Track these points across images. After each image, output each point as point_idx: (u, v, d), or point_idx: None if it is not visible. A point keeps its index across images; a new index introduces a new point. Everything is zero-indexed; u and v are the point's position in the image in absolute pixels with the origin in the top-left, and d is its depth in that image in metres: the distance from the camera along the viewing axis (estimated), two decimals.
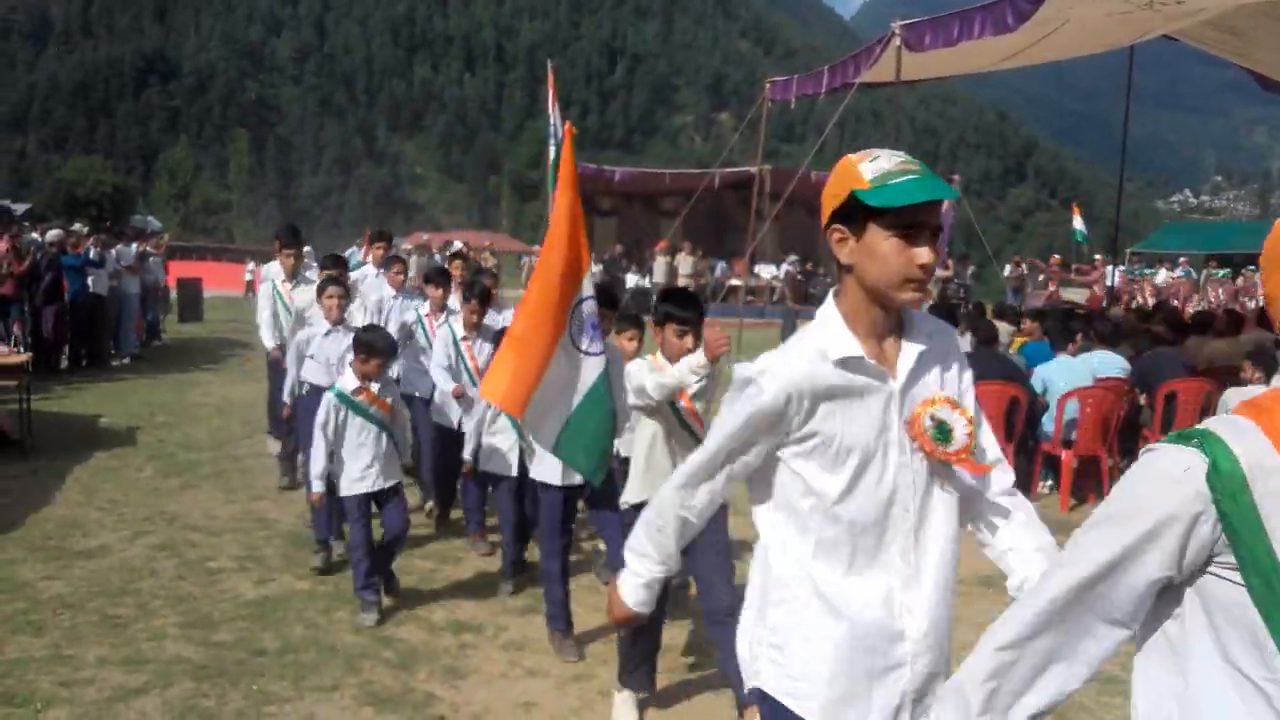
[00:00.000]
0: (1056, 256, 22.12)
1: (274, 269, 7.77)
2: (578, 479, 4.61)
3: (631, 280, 23.75)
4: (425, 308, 7.17)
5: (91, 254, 13.88)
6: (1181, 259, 28.49)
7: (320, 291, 6.17)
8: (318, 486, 5.17)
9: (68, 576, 5.64)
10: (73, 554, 6.03)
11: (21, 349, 10.08)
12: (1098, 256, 22.36)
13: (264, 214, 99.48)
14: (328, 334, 6.11)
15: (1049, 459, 8.06)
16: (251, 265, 27.72)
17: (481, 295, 6.34)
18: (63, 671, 4.42)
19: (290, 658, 4.63)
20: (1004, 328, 9.93)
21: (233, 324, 20.41)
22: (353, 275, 8.19)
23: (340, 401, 5.15)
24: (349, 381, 5.17)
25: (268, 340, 7.71)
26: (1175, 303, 18.06)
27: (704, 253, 24.14)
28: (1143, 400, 8.42)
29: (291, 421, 6.87)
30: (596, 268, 24.61)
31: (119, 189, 63.25)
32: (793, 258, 23.88)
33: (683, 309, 3.97)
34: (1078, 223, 22.90)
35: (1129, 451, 8.85)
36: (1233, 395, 4.16)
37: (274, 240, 7.91)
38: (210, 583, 5.61)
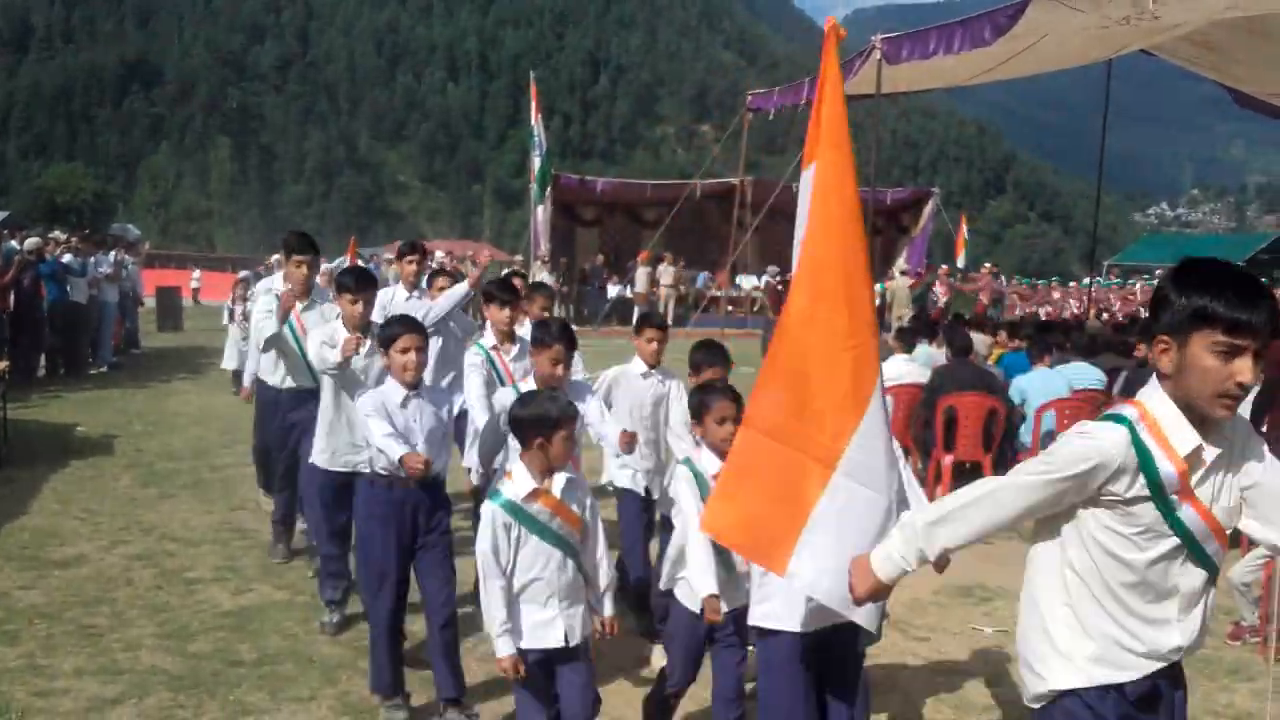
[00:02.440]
0: (945, 267, 22.32)
1: (276, 283, 6.12)
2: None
3: (613, 290, 23.80)
4: (489, 338, 5.59)
5: (67, 259, 13.79)
6: (1158, 271, 28.84)
7: (388, 343, 4.23)
8: (504, 648, 3.38)
9: (44, 586, 5.61)
10: (49, 563, 5.99)
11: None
12: (986, 265, 22.70)
13: (245, 222, 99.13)
14: (405, 402, 4.23)
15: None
16: (198, 273, 26.84)
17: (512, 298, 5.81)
18: (38, 682, 4.40)
19: (267, 668, 4.62)
20: (983, 339, 10.01)
21: (209, 331, 20.30)
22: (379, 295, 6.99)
23: (510, 515, 3.42)
24: (519, 483, 3.42)
25: (247, 375, 6.57)
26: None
27: (685, 263, 24.22)
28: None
29: (270, 457, 6.18)
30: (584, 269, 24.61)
31: (100, 196, 62.98)
32: (773, 268, 23.98)
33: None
34: (964, 233, 23.17)
35: None
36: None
37: (282, 247, 6.31)
38: (187, 593, 5.58)
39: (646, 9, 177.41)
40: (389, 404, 4.17)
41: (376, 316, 5.14)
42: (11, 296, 12.24)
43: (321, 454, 5.05)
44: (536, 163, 19.71)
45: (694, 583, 3.50)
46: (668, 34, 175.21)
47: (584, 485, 3.59)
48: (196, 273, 25.42)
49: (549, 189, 22.35)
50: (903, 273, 21.57)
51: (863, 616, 2.87)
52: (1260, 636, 5.11)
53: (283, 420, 5.97)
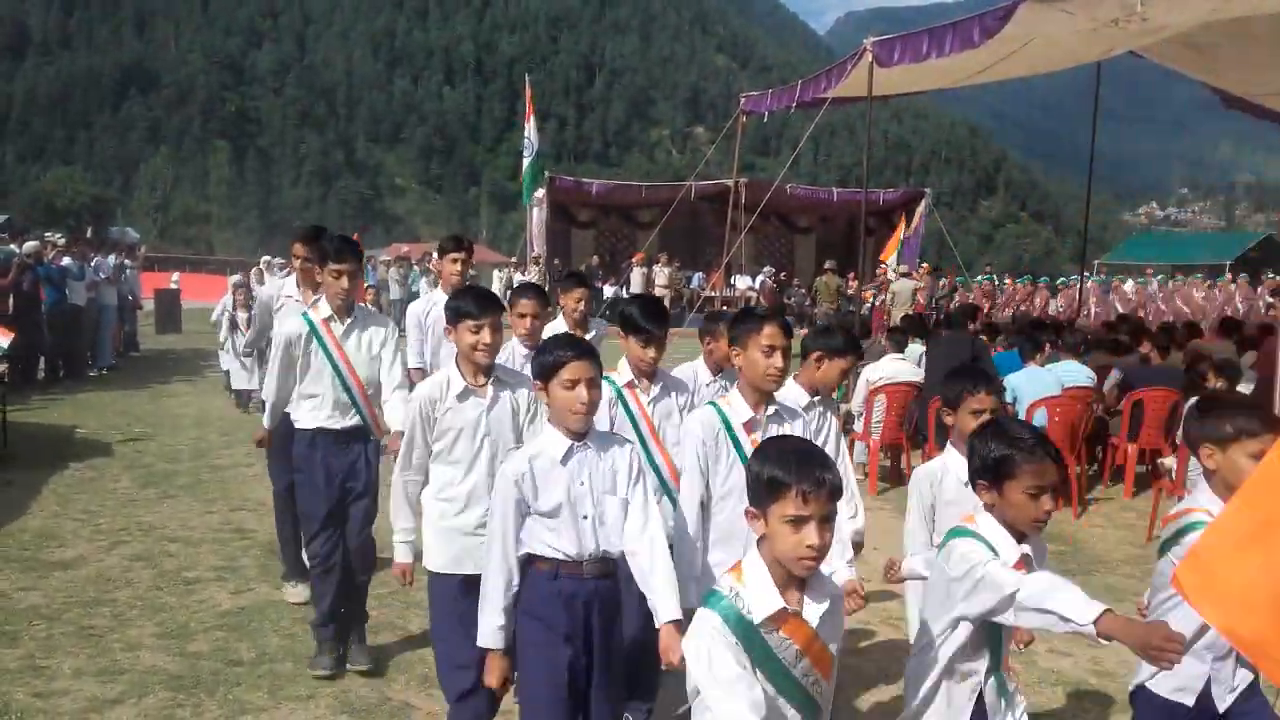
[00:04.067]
0: (883, 267, 22.44)
1: (289, 285, 5.48)
2: None
3: (609, 291, 23.87)
4: (622, 373, 3.98)
5: (65, 262, 13.84)
6: (1148, 269, 29.02)
7: (550, 372, 3.01)
8: None
9: (43, 587, 5.65)
10: (48, 564, 6.03)
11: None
12: (923, 265, 22.73)
13: (243, 225, 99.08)
14: (569, 455, 3.02)
15: None
16: (176, 275, 26.23)
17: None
18: (38, 682, 4.43)
19: (266, 667, 4.65)
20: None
21: (209, 334, 20.32)
22: (416, 310, 6.10)
23: (740, 637, 2.23)
24: (757, 592, 2.24)
25: (268, 416, 4.96)
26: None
27: (680, 264, 24.32)
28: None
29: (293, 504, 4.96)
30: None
31: (98, 200, 62.99)
32: (768, 268, 24.07)
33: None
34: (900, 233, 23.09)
35: (1095, 459, 9.03)
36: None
37: (302, 248, 5.37)
38: (187, 593, 5.62)
39: (640, 13, 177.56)
40: (540, 464, 2.98)
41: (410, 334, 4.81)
42: (10, 300, 12.29)
43: (438, 553, 3.63)
44: (525, 164, 19.80)
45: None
46: (661, 38, 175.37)
47: (838, 592, 2.46)
48: (175, 275, 25.22)
49: (544, 191, 22.45)
50: (904, 274, 21.66)
51: None
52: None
53: (326, 474, 4.56)
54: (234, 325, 11.98)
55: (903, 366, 9.02)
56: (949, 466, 3.39)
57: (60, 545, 6.43)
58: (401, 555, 3.72)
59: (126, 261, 17.10)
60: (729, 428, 3.28)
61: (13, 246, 13.56)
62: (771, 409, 3.33)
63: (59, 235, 15.85)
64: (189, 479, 8.35)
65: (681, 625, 2.63)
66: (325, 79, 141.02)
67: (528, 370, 3.63)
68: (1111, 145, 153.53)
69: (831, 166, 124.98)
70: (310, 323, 4.56)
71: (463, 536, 3.58)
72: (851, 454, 9.24)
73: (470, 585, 3.34)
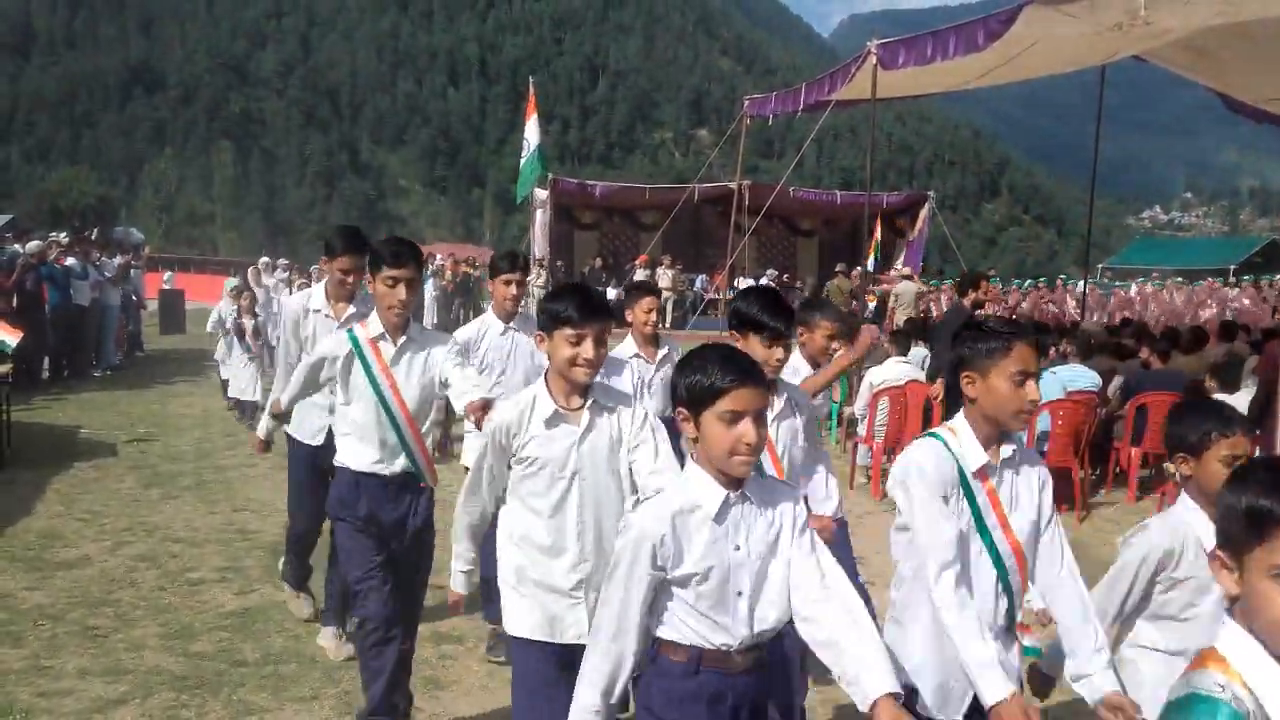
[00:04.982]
0: (856, 270, 22.45)
1: (316, 297, 4.85)
2: None
3: (611, 293, 23.88)
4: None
5: (70, 262, 13.87)
6: (1154, 274, 29.04)
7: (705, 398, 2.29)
8: None
9: (48, 587, 5.66)
10: (53, 565, 6.05)
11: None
12: (897, 265, 22.68)
13: (247, 225, 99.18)
14: (725, 509, 2.33)
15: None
16: (169, 274, 25.79)
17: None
18: (42, 682, 4.44)
19: (270, 668, 4.66)
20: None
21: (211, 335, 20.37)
22: (465, 337, 4.95)
23: None
24: None
25: (263, 422, 4.81)
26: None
27: (683, 266, 24.34)
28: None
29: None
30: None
31: (103, 200, 63.00)
32: (771, 271, 24.06)
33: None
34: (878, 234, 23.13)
35: (1099, 463, 9.02)
36: None
37: (341, 249, 4.61)
38: (191, 593, 5.63)
39: (644, 15, 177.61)
40: (686, 521, 2.28)
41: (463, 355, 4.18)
42: (14, 300, 12.33)
43: (523, 616, 2.99)
44: (522, 164, 19.83)
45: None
46: (665, 40, 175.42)
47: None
48: (168, 274, 25.20)
49: (547, 193, 22.47)
50: (906, 277, 21.64)
51: None
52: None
53: (372, 525, 3.87)
54: (239, 333, 11.23)
55: (906, 369, 9.02)
56: (1193, 527, 2.65)
57: (64, 545, 6.45)
58: (457, 585, 3.30)
59: (132, 262, 17.14)
60: (962, 474, 2.55)
61: (17, 246, 13.60)
62: (1009, 449, 2.58)
63: (63, 235, 15.88)
64: (193, 479, 8.37)
65: (899, 699, 2.14)
66: (329, 80, 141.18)
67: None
68: (1115, 149, 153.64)
69: (835, 169, 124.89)
70: (355, 341, 3.80)
71: (553, 596, 2.94)
72: (855, 457, 9.27)
73: (569, 657, 2.76)
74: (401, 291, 3.71)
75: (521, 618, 2.97)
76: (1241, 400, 6.81)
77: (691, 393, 2.26)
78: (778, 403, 3.37)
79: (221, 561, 6.21)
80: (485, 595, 4.80)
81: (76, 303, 13.74)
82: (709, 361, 2.26)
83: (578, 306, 2.85)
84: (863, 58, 10.90)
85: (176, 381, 14.51)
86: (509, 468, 3.02)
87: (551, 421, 2.92)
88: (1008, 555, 2.53)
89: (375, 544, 3.86)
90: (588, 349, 2.85)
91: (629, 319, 4.97)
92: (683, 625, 2.29)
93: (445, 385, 3.78)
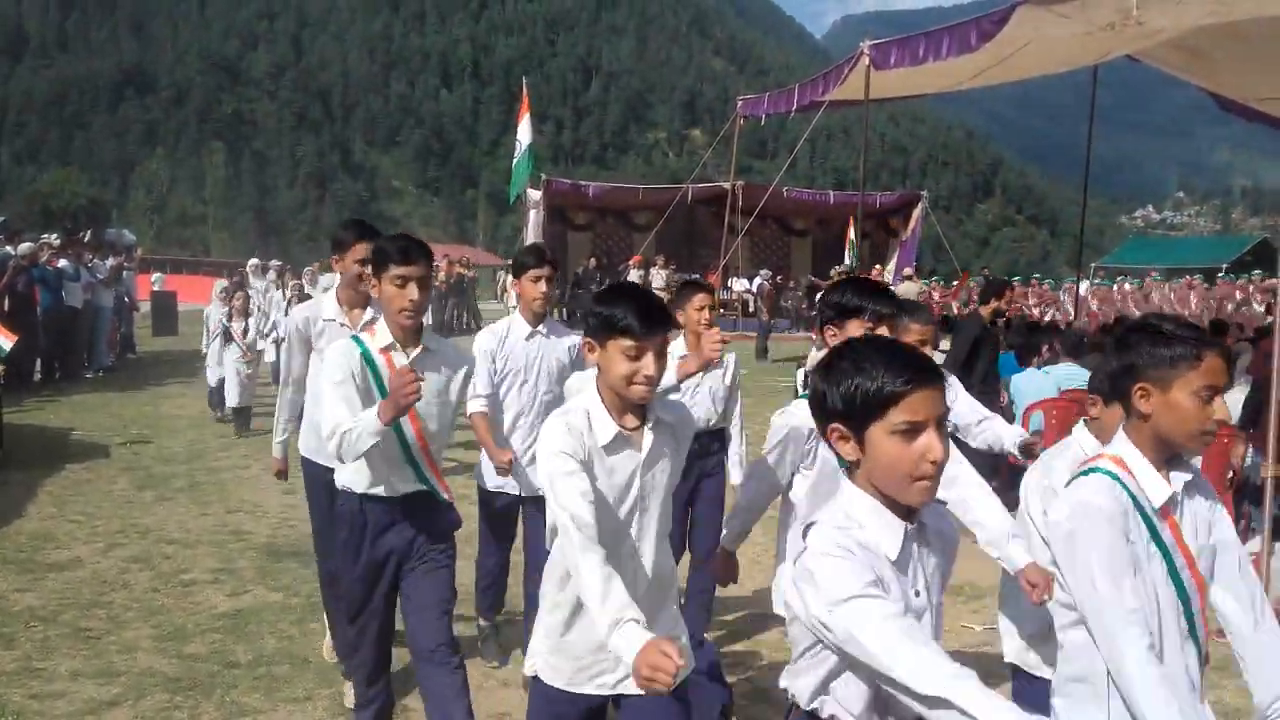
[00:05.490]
0: (838, 269, 22.48)
1: (326, 305, 4.36)
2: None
3: None
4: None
5: (62, 264, 13.83)
6: (1152, 272, 29.21)
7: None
8: None
9: (39, 589, 5.64)
10: (45, 566, 6.03)
11: None
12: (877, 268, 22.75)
13: (239, 227, 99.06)
14: (905, 555, 1.86)
15: (1014, 469, 8.21)
16: (158, 275, 25.23)
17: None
18: (34, 684, 4.42)
19: (263, 670, 4.65)
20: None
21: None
22: (486, 344, 4.48)
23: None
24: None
25: (277, 440, 4.45)
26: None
27: (677, 266, 24.35)
28: None
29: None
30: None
31: (94, 201, 62.83)
32: (765, 271, 24.11)
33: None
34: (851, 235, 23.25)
35: None
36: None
37: (345, 243, 4.26)
38: (183, 595, 5.62)
39: (637, 16, 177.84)
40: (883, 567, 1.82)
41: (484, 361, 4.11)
42: (6, 302, 12.29)
43: (567, 673, 2.61)
44: (514, 163, 19.84)
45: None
46: (659, 40, 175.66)
47: None
48: (156, 275, 25.10)
49: (540, 194, 22.47)
50: (907, 277, 21.69)
51: None
52: None
53: (375, 554, 3.46)
54: (228, 337, 10.74)
55: None
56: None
57: (57, 547, 6.43)
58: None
59: (125, 264, 17.09)
60: (1142, 513, 2.16)
61: (8, 248, 13.56)
62: (1185, 474, 2.21)
63: (55, 237, 15.82)
64: (185, 481, 8.34)
65: None
66: (321, 81, 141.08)
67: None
68: (1108, 149, 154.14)
69: (828, 169, 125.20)
70: (364, 350, 3.34)
71: (596, 644, 2.43)
72: None
73: (599, 703, 2.57)
74: (412, 291, 3.27)
75: (557, 667, 2.59)
76: (1234, 398, 6.82)
77: (851, 403, 1.75)
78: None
79: (214, 563, 6.19)
80: (480, 584, 4.91)
81: (69, 304, 13.70)
82: (869, 360, 1.75)
83: (638, 314, 2.38)
84: (855, 58, 10.91)
85: (169, 383, 14.47)
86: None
87: (613, 446, 2.46)
88: (1194, 596, 2.18)
89: (382, 585, 3.46)
90: (648, 365, 2.39)
91: (680, 320, 4.49)
92: (852, 699, 1.83)
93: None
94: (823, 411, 1.82)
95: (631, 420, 2.48)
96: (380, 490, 3.41)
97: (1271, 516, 5.25)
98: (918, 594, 1.82)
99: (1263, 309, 19.92)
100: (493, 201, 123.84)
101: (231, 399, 10.63)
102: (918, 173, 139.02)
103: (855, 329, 2.89)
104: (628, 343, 2.37)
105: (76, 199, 60.50)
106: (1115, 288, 26.24)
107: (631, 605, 2.14)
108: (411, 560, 3.46)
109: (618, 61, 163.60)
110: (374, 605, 3.48)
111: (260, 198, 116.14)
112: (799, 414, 3.05)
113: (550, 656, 2.60)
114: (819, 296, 3.40)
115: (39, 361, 13.71)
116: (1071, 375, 8.39)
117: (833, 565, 1.70)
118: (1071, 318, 16.72)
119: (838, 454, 1.83)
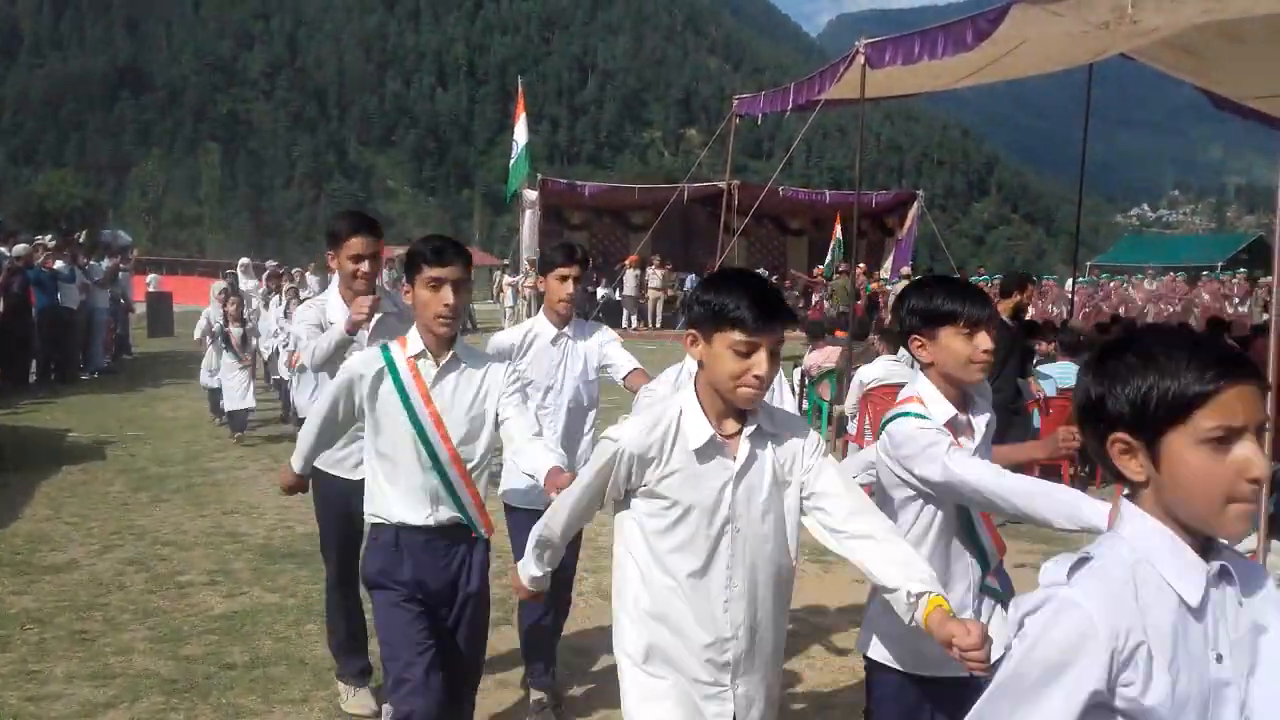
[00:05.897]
0: (819, 268, 22.46)
1: (332, 308, 4.07)
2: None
3: (601, 293, 23.91)
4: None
5: (58, 265, 13.81)
6: (1150, 269, 29.32)
7: None
8: None
9: (35, 591, 5.63)
10: (40, 568, 6.01)
11: None
12: (818, 267, 22.81)
13: (235, 227, 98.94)
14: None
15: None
16: (153, 277, 24.73)
17: None
18: (30, 687, 4.41)
19: (260, 671, 4.64)
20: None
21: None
22: (500, 340, 4.21)
23: None
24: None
25: (297, 457, 3.40)
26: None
27: (673, 266, 24.38)
28: None
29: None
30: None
31: (90, 202, 62.68)
32: (761, 271, 24.16)
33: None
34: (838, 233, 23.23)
35: (1089, 460, 9.05)
36: None
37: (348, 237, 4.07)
38: (180, 597, 5.61)
39: (633, 15, 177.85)
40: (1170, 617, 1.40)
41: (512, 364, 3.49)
42: (1, 302, 12.27)
43: (665, 709, 2.32)
44: (512, 163, 19.85)
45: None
46: (654, 39, 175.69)
47: None
48: (151, 276, 25.03)
49: (536, 194, 22.47)
50: (905, 276, 21.68)
51: None
52: None
53: (417, 589, 3.12)
54: (225, 342, 10.48)
55: (896, 368, 9.02)
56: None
57: (52, 549, 6.41)
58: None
59: (120, 265, 17.06)
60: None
61: (3, 249, 13.53)
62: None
63: (50, 238, 15.79)
64: (181, 483, 8.33)
65: None
66: (317, 81, 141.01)
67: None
68: (1103, 147, 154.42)
69: (824, 169, 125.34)
70: (389, 360, 3.07)
71: (690, 684, 2.28)
72: (845, 456, 9.28)
73: None
74: (448, 295, 2.97)
75: (655, 702, 2.27)
76: None
77: (1142, 406, 1.37)
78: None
79: (210, 565, 6.18)
80: (528, 654, 4.31)
81: (64, 306, 13.68)
82: (1165, 353, 1.36)
83: (752, 305, 2.10)
84: (851, 57, 10.89)
85: (165, 384, 14.45)
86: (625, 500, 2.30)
87: (705, 453, 2.19)
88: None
89: (423, 619, 3.10)
90: (760, 363, 2.10)
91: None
92: None
93: (500, 424, 3.13)
94: (1100, 419, 1.42)
95: (731, 425, 2.21)
96: (409, 520, 3.08)
97: (1267, 515, 5.27)
98: (1220, 659, 1.38)
99: (1244, 307, 20.02)
100: (488, 201, 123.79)
101: (228, 401, 10.46)
102: (913, 171, 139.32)
103: (950, 338, 2.53)
104: (738, 337, 2.09)
105: (72, 200, 60.38)
106: (1099, 288, 26.50)
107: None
108: (448, 607, 3.17)
109: (613, 60, 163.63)
110: (421, 649, 3.05)
111: (256, 198, 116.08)
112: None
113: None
114: (896, 301, 3.10)
115: (34, 363, 13.69)
116: (1069, 373, 8.42)
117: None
118: (1066, 316, 16.76)
119: (1118, 472, 1.42)
